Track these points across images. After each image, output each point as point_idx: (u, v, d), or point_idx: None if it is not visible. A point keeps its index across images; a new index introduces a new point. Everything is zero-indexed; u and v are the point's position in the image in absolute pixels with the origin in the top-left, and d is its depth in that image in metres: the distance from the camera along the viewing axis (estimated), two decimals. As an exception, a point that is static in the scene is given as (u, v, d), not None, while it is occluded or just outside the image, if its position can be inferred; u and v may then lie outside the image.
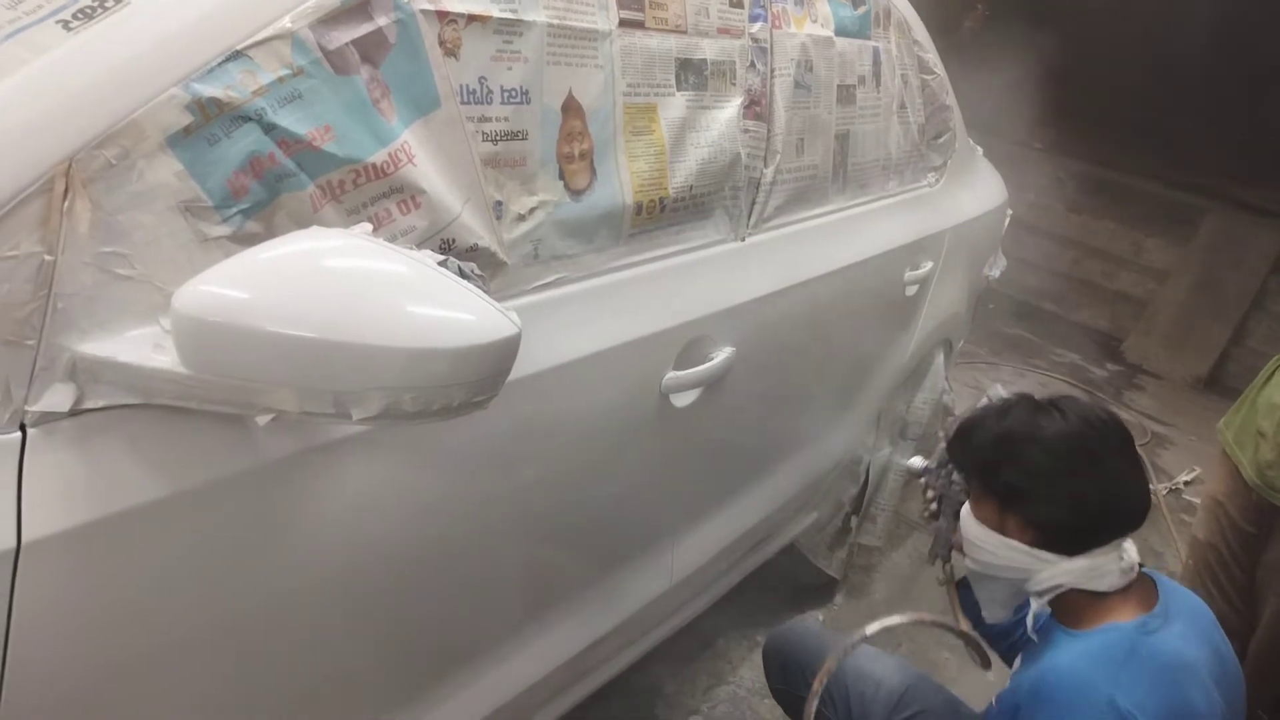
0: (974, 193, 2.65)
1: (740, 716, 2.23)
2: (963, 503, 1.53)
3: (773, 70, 1.66)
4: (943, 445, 1.60)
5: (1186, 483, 3.87)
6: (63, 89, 0.80)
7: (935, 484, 1.61)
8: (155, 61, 0.84)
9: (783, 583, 2.59)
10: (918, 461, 1.67)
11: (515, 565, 1.39)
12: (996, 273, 2.92)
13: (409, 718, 1.30)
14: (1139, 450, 1.35)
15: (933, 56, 2.35)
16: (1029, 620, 1.38)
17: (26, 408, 0.76)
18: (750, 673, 2.34)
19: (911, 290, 2.26)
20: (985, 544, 1.35)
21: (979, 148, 2.85)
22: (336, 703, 1.20)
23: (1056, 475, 1.29)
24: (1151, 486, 3.81)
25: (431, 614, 1.27)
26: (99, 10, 0.85)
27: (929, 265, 2.31)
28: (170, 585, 0.88)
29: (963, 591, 1.59)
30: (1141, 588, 1.32)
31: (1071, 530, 1.29)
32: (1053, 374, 4.93)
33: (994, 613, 1.42)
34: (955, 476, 1.58)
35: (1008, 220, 2.96)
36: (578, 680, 1.68)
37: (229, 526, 0.91)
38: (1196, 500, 3.63)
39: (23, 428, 0.76)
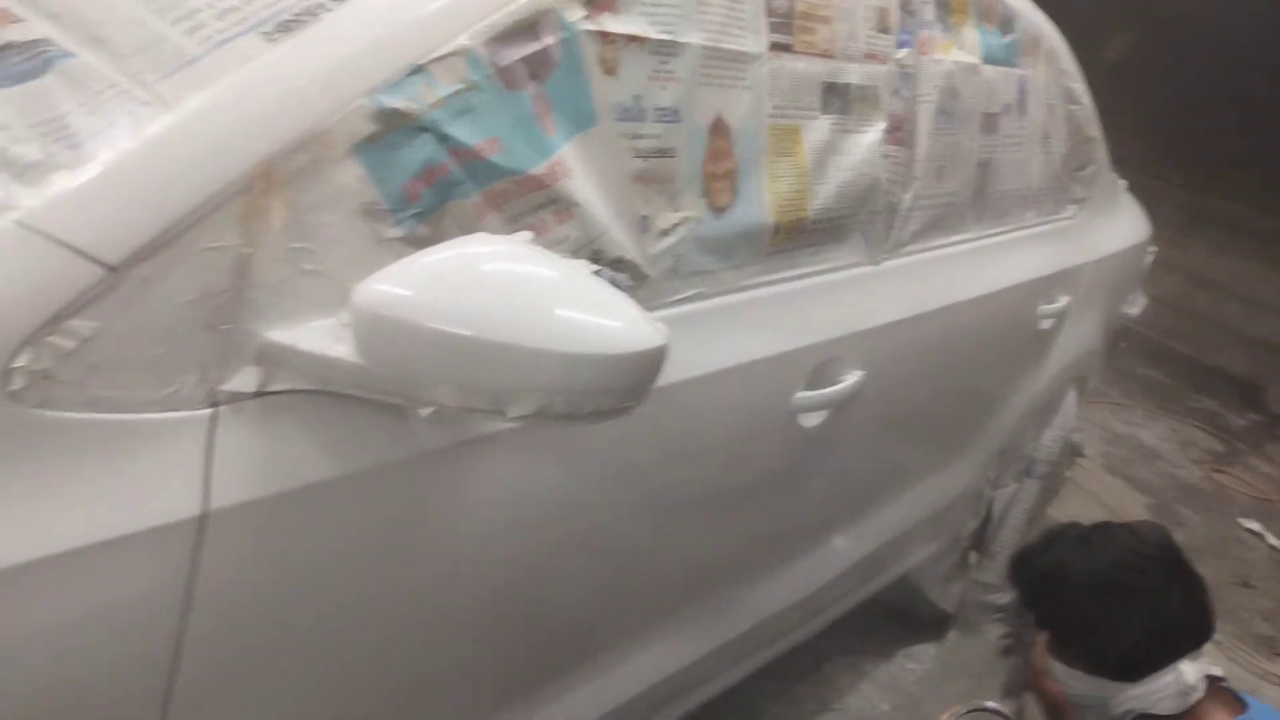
0: (1116, 227, 2.58)
1: (845, 745, 2.21)
2: (1031, 642, 1.52)
3: (917, 96, 1.66)
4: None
5: (1333, 542, 3.64)
6: (264, 96, 0.86)
7: (1011, 621, 1.60)
8: (346, 73, 0.90)
9: (894, 613, 2.55)
10: (999, 597, 1.66)
11: (638, 570, 1.41)
12: (1136, 310, 2.83)
13: (525, 710, 1.34)
14: (1193, 571, 1.37)
15: (1080, 86, 2.30)
16: None
17: (218, 387, 0.83)
18: (856, 701, 2.31)
19: (1046, 324, 2.21)
20: (1057, 674, 1.38)
21: (1124, 181, 2.77)
22: (460, 689, 1.24)
23: (1089, 612, 1.33)
24: None
25: (557, 611, 1.31)
26: (297, 24, 0.92)
27: (1065, 300, 2.25)
28: (331, 561, 0.94)
29: None
30: (1218, 700, 1.31)
31: (1118, 661, 1.31)
32: (1187, 420, 4.71)
33: None
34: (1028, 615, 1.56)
35: (1151, 257, 2.86)
36: (687, 691, 1.69)
37: (387, 509, 0.97)
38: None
39: (214, 405, 0.83)
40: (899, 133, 1.63)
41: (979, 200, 1.92)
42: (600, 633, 1.44)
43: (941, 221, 1.80)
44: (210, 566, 0.82)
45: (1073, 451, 2.79)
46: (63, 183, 0.76)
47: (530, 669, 1.35)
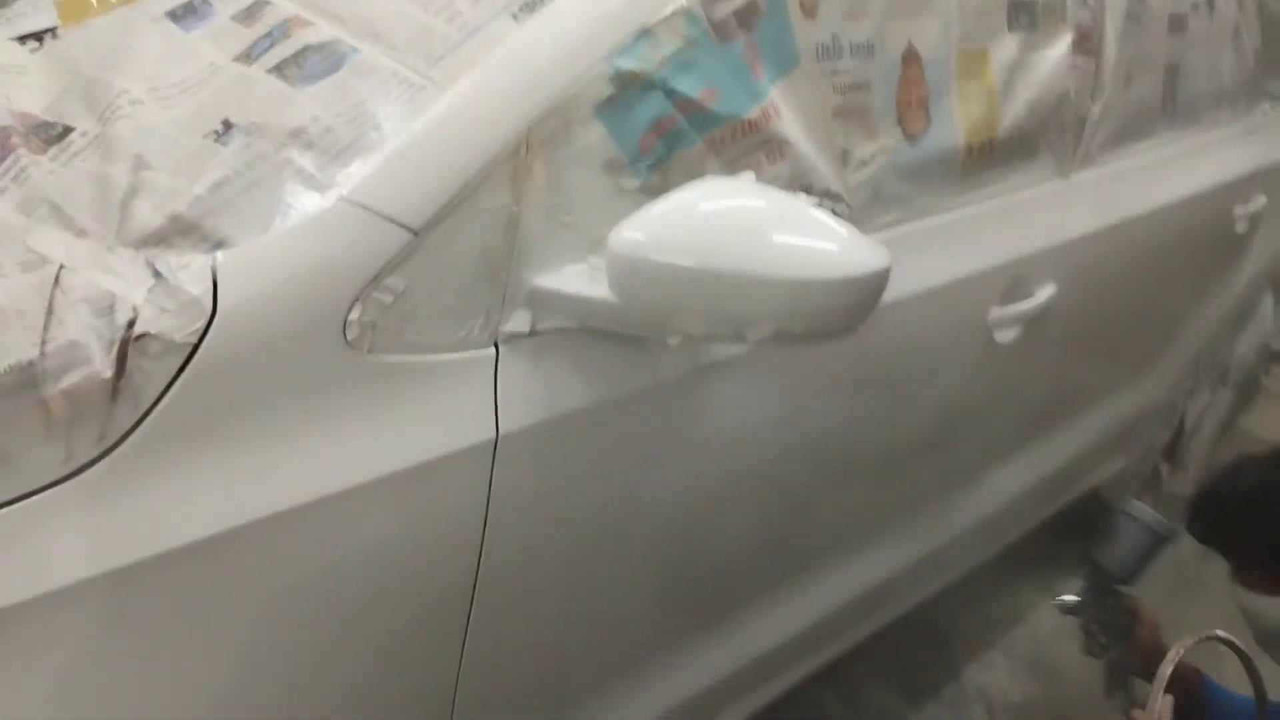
0: (1316, 119, 2.44)
1: (1040, 658, 2.25)
2: (1128, 625, 1.49)
3: (1103, 5, 1.64)
4: (1088, 570, 1.54)
5: None
6: (520, 71, 0.97)
7: (1096, 615, 1.53)
8: (585, 43, 1.00)
9: (1083, 531, 2.54)
10: (1068, 598, 1.56)
11: (846, 486, 1.50)
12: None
13: (735, 622, 1.45)
14: None
15: (1275, -27, 2.18)
16: None
17: (499, 328, 0.96)
18: (1048, 616, 2.34)
19: (1242, 227, 2.14)
20: (1269, 611, 1.34)
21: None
22: (688, 598, 1.36)
23: None
24: None
25: (781, 523, 1.41)
26: (538, 3, 1.02)
27: (1262, 200, 2.17)
28: (592, 477, 1.07)
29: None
30: None
31: None
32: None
33: None
34: (1110, 600, 1.52)
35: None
36: (882, 606, 1.78)
37: (638, 431, 1.09)
38: None
39: (496, 345, 0.96)
40: (1086, 43, 1.62)
41: (1169, 105, 1.88)
42: (809, 545, 1.54)
43: (1131, 130, 1.78)
44: (501, 482, 0.96)
45: (1272, 359, 2.68)
46: (369, 162, 0.88)
47: (750, 579, 1.46)
